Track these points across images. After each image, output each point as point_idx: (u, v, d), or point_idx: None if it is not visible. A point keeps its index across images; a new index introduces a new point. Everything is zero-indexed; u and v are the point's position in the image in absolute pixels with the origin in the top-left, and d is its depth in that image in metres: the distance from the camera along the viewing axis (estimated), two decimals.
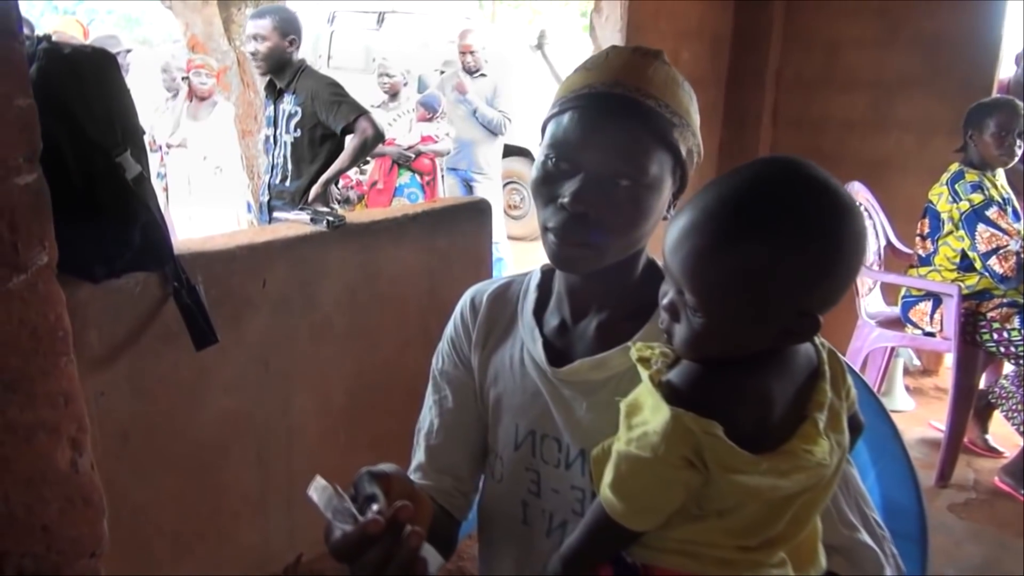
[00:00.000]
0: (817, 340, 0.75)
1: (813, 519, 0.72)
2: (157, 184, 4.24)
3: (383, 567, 0.66)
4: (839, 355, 0.77)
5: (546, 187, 0.84)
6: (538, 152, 0.87)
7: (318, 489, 0.69)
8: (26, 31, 2.05)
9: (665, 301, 0.72)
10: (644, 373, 0.71)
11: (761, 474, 0.65)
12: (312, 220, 2.02)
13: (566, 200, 0.81)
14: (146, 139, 4.23)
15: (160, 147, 4.33)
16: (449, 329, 1.03)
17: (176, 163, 4.29)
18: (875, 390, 3.15)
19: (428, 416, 1.01)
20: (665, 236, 0.71)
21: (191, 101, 4.35)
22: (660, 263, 0.93)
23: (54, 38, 3.79)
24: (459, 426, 0.99)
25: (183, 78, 4.42)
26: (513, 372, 0.95)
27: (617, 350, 0.87)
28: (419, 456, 1.00)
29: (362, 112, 2.90)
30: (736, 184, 0.68)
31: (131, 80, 4.34)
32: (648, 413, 0.68)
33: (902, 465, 1.06)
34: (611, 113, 0.82)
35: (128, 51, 4.50)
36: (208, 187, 4.24)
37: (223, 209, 4.24)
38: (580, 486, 0.89)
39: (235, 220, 4.25)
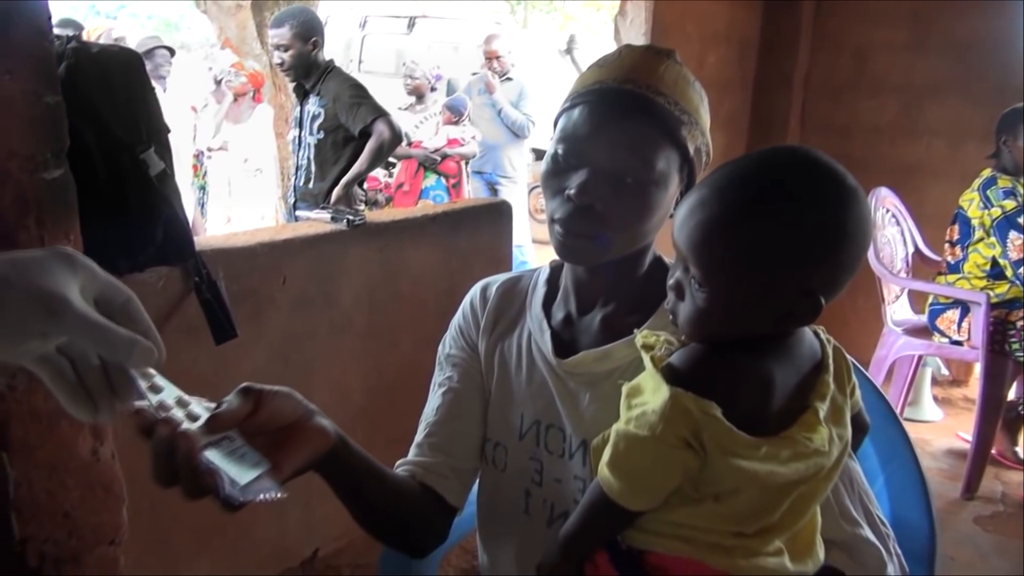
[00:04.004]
0: (823, 335, 0.76)
1: (811, 511, 0.72)
2: (193, 188, 4.34)
3: (168, 472, 0.62)
4: (845, 353, 0.77)
5: (554, 179, 0.86)
6: (549, 145, 0.89)
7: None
8: (72, 31, 2.13)
9: (671, 280, 0.73)
10: (646, 356, 0.72)
11: (759, 459, 0.65)
12: (332, 219, 2.05)
13: (572, 192, 0.82)
14: (190, 144, 4.34)
15: (201, 152, 4.39)
16: (457, 317, 1.05)
17: (217, 166, 4.34)
18: (902, 399, 3.13)
19: (432, 399, 1.02)
20: (674, 217, 0.74)
21: (231, 103, 4.39)
22: (667, 260, 0.94)
23: (102, 39, 3.89)
24: (461, 405, 0.99)
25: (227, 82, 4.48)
26: (520, 363, 0.96)
27: (621, 342, 0.88)
28: (418, 436, 1.00)
29: (381, 114, 2.85)
30: (746, 164, 0.71)
31: (170, 82, 4.43)
32: (648, 394, 0.69)
33: (912, 471, 1.04)
34: (620, 108, 0.83)
35: (172, 52, 4.57)
36: (248, 189, 4.28)
37: (262, 210, 4.29)
38: (581, 476, 0.89)
39: (273, 221, 4.30)
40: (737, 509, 0.68)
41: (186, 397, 0.66)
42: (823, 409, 0.70)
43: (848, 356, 0.78)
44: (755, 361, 0.69)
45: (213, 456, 0.63)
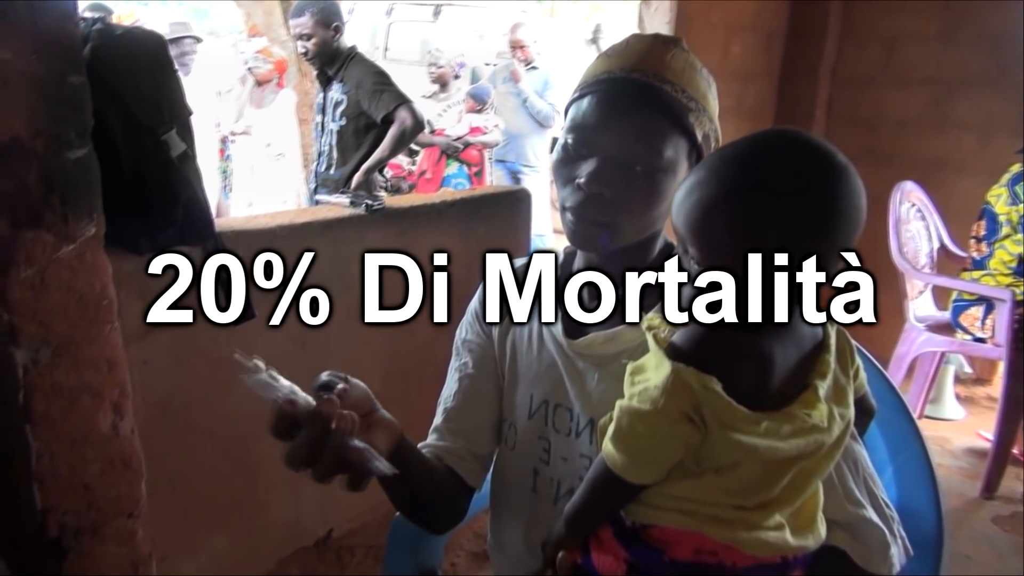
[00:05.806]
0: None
1: (812, 487, 0.73)
2: (217, 172, 4.38)
3: (314, 453, 0.69)
4: (849, 337, 0.78)
5: (565, 168, 0.88)
6: (559, 135, 0.90)
7: (248, 364, 0.69)
8: (101, 14, 2.16)
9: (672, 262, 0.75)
10: (650, 336, 0.74)
11: (759, 434, 0.67)
12: (351, 203, 2.06)
13: (582, 181, 0.84)
14: (214, 129, 4.37)
15: (227, 137, 4.42)
16: (474, 302, 1.07)
17: (240, 151, 4.37)
18: (923, 396, 3.09)
19: (449, 383, 1.05)
20: (673, 199, 0.75)
21: (253, 88, 4.42)
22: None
23: (137, 24, 3.96)
24: (477, 391, 1.02)
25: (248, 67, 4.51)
26: (531, 344, 0.98)
27: (629, 325, 0.89)
28: (436, 420, 1.03)
29: (403, 101, 2.83)
30: (738, 146, 0.73)
31: (195, 68, 4.47)
32: (651, 371, 0.71)
33: (921, 463, 1.03)
34: (628, 98, 0.85)
35: (198, 40, 4.59)
36: (270, 174, 4.30)
37: (284, 195, 4.31)
38: (588, 454, 0.91)
39: (295, 206, 4.32)
40: (738, 483, 0.69)
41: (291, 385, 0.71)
42: (823, 387, 0.71)
43: (852, 340, 0.78)
44: (755, 339, 0.70)
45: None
